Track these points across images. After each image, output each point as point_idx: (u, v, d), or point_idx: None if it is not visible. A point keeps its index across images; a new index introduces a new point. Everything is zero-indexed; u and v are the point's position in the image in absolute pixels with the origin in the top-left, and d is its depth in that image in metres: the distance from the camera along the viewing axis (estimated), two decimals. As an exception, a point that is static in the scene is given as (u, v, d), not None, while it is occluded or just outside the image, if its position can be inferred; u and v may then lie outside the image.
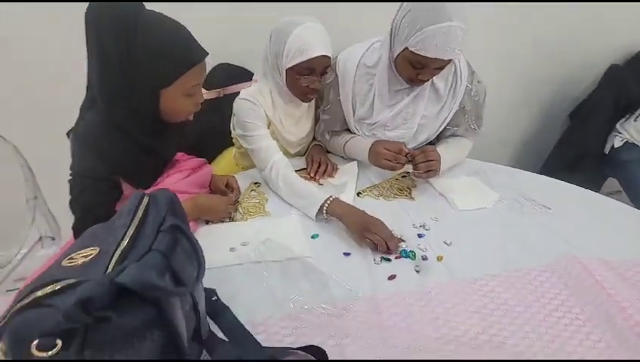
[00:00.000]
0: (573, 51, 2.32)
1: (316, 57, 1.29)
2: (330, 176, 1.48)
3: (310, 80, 1.34)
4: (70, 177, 1.03)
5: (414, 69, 1.27)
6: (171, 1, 1.52)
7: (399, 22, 1.25)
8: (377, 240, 1.11)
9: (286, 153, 1.53)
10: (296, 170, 1.42)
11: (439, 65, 1.25)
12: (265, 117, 1.41)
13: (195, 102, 1.07)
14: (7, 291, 1.47)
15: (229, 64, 1.86)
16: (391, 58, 1.34)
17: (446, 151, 1.42)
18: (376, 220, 1.16)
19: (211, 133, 1.69)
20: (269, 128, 1.44)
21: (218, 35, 1.76)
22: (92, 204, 1.01)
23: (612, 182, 2.23)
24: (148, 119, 1.05)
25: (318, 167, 1.47)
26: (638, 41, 2.30)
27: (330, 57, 1.34)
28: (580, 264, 1.05)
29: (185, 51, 0.98)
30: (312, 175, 1.46)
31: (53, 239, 1.54)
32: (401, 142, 1.39)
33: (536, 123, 2.59)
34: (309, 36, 1.29)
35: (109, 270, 0.59)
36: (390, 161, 1.35)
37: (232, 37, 1.80)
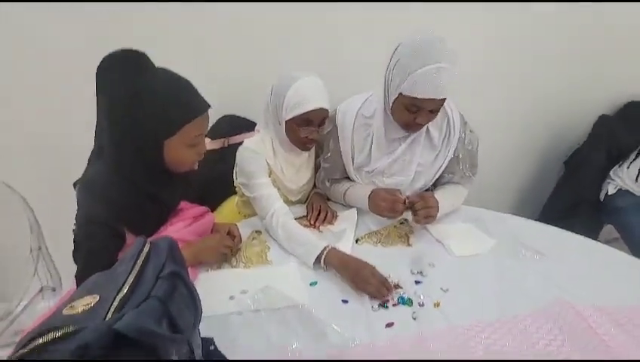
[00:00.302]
0: (567, 100, 2.39)
1: (313, 110, 1.36)
2: (330, 223, 1.50)
3: (308, 131, 1.41)
4: (74, 226, 1.06)
5: (411, 113, 1.33)
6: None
7: (391, 71, 1.32)
8: (370, 292, 1.13)
9: (287, 201, 1.57)
10: (296, 218, 1.45)
11: (433, 106, 1.30)
12: (266, 166, 1.46)
13: (198, 153, 1.11)
14: (7, 345, 1.45)
15: (234, 115, 1.93)
16: (387, 106, 1.40)
17: (443, 198, 1.45)
18: (367, 269, 1.17)
19: (216, 182, 1.73)
20: (270, 177, 1.48)
21: (223, 87, 1.83)
22: (95, 251, 1.03)
23: (611, 229, 2.23)
24: (153, 168, 1.09)
25: (318, 215, 1.50)
26: (626, 93, 2.38)
27: (327, 110, 1.41)
28: (573, 310, 1.06)
29: (188, 103, 1.03)
30: (312, 222, 1.48)
31: (54, 290, 1.55)
32: (397, 190, 1.42)
33: (533, 170, 2.62)
34: (307, 90, 1.36)
35: (108, 317, 0.61)
36: (388, 208, 1.39)
37: (237, 89, 1.87)
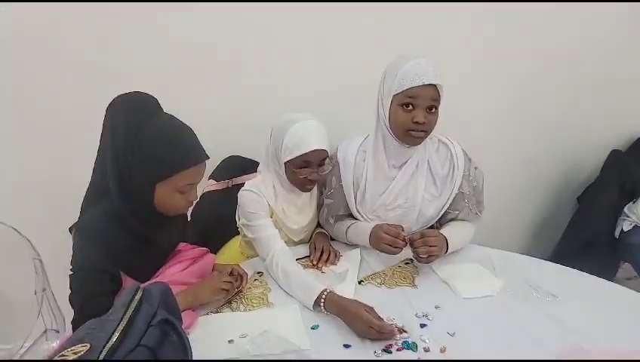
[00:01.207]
0: (579, 136, 2.39)
1: (312, 151, 1.38)
2: (333, 263, 1.48)
3: (307, 172, 1.42)
4: (71, 272, 1.06)
5: (407, 113, 1.35)
6: None
7: (381, 87, 1.40)
8: (370, 338, 1.10)
9: (289, 241, 1.56)
10: (299, 258, 1.45)
11: (427, 97, 1.33)
12: (267, 207, 1.47)
13: (187, 200, 1.13)
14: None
15: (239, 156, 1.95)
16: (385, 120, 1.41)
17: (451, 235, 1.44)
18: (365, 314, 1.12)
19: (220, 222, 1.73)
20: (271, 217, 1.48)
21: (227, 128, 1.88)
22: (91, 297, 1.02)
23: (630, 266, 2.17)
24: (145, 209, 1.10)
25: (321, 255, 1.48)
26: (639, 128, 2.37)
27: (326, 150, 1.43)
28: (589, 356, 1.01)
29: (186, 151, 1.06)
30: (314, 263, 1.46)
31: (58, 332, 1.54)
32: (399, 227, 1.40)
33: (544, 207, 2.59)
34: (305, 132, 1.39)
35: (96, 367, 0.60)
36: (389, 243, 1.37)
37: (241, 130, 1.90)
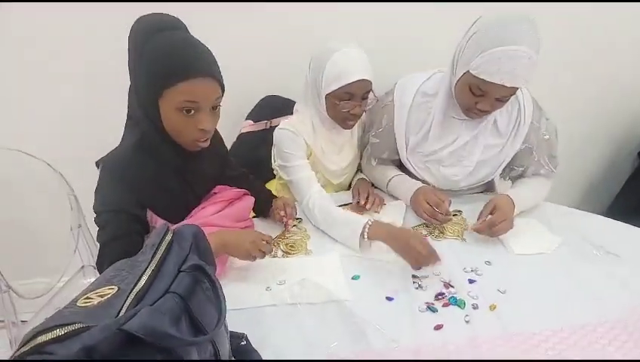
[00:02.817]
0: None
1: (355, 82, 1.28)
2: (377, 209, 1.41)
3: (350, 105, 1.32)
4: (95, 214, 1.00)
5: (473, 96, 1.19)
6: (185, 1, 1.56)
7: (464, 44, 1.18)
8: (420, 261, 1.07)
9: (328, 184, 1.50)
10: (340, 205, 1.37)
11: (501, 94, 1.15)
12: (305, 146, 1.39)
13: (195, 126, 0.99)
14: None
15: (277, 96, 1.85)
16: (452, 84, 1.26)
17: (519, 196, 1.33)
18: (416, 237, 1.10)
19: (257, 165, 1.65)
20: (309, 158, 1.41)
21: (265, 68, 1.77)
22: (112, 238, 0.97)
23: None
24: (161, 136, 1.02)
25: (367, 197, 1.40)
26: None
27: (370, 81, 1.32)
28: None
29: (182, 61, 0.93)
30: (362, 203, 1.38)
31: (95, 268, 1.54)
32: (445, 199, 1.30)
33: (603, 161, 2.42)
34: (347, 61, 1.28)
35: (122, 312, 0.54)
36: (428, 213, 1.29)
37: (279, 70, 1.79)
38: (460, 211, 1.38)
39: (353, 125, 1.43)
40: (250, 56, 1.77)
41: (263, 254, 1.07)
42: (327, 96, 1.32)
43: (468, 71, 1.15)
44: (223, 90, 1.02)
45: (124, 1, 1.45)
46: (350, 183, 1.60)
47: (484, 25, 1.13)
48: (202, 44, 0.99)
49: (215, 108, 1.02)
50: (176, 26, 0.98)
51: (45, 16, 1.56)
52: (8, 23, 1.53)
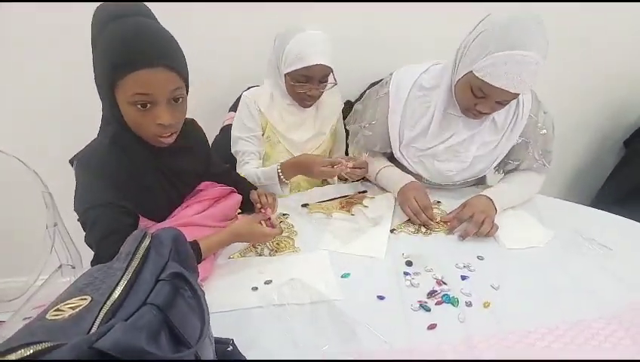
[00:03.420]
0: (629, 74, 2.17)
1: (313, 65, 1.29)
2: (364, 200, 1.39)
3: (307, 87, 1.35)
4: (78, 215, 0.94)
5: (474, 98, 1.15)
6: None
7: (469, 43, 1.13)
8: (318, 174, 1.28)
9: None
10: (332, 199, 1.40)
11: (502, 98, 1.12)
12: (258, 116, 1.43)
13: (153, 121, 0.93)
14: (25, 319, 1.41)
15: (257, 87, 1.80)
16: (452, 82, 1.22)
17: (510, 189, 1.34)
18: (318, 160, 1.26)
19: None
20: (264, 130, 1.45)
21: (248, 59, 1.72)
22: (105, 235, 0.90)
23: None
24: (130, 133, 0.97)
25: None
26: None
27: (329, 67, 1.33)
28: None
29: (132, 50, 0.86)
30: (348, 166, 1.29)
31: (74, 267, 1.49)
32: (430, 204, 1.28)
33: (589, 151, 2.42)
34: (308, 44, 1.29)
35: (95, 327, 0.50)
36: (413, 210, 1.26)
37: (263, 60, 1.74)
38: (439, 202, 1.37)
39: (310, 105, 1.44)
40: (234, 48, 1.74)
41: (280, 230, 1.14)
42: (286, 75, 1.34)
43: (471, 71, 1.11)
44: (185, 81, 0.96)
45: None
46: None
47: (492, 24, 1.08)
48: (163, 30, 0.92)
49: (177, 100, 0.95)
50: (136, 12, 0.91)
51: (19, 13, 1.50)
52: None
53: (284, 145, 1.48)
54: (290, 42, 1.29)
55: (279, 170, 1.32)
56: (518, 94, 1.11)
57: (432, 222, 1.24)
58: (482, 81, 1.08)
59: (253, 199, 1.26)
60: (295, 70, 1.31)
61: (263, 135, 1.48)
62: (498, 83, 1.06)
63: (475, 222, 1.19)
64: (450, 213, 1.28)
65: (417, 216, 1.25)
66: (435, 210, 1.31)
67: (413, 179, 1.37)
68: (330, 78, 1.38)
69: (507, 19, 1.05)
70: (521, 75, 1.04)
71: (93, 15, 0.91)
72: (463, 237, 1.20)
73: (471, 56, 1.11)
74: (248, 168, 1.42)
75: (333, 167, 1.25)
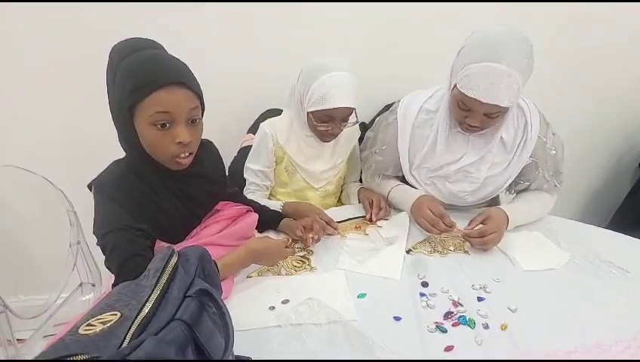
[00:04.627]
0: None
1: (337, 108, 1.30)
2: (384, 215, 1.42)
3: (329, 126, 1.35)
4: (98, 239, 0.96)
5: (462, 111, 1.20)
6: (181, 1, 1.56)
7: (455, 59, 1.20)
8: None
9: (310, 189, 1.52)
10: (352, 218, 1.43)
11: (486, 110, 1.15)
12: (272, 150, 1.45)
13: (172, 140, 0.95)
14: (45, 337, 1.43)
15: (277, 109, 1.83)
16: (449, 103, 1.27)
17: (520, 208, 1.36)
18: (317, 210, 1.35)
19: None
20: (282, 161, 1.47)
21: (266, 82, 1.76)
22: (127, 259, 0.92)
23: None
24: (147, 160, 1.00)
25: (379, 210, 1.42)
26: None
27: (352, 108, 1.34)
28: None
29: (150, 73, 0.91)
30: (373, 219, 1.39)
31: (94, 286, 1.51)
32: (445, 214, 1.28)
33: (604, 173, 2.41)
34: (334, 86, 1.28)
35: (127, 341, 0.52)
36: (428, 222, 1.27)
37: (280, 84, 1.78)
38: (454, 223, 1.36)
39: (330, 141, 1.44)
40: (251, 70, 1.77)
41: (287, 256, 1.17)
42: (309, 113, 1.34)
43: (455, 85, 1.17)
44: (201, 102, 1.00)
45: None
46: (337, 193, 1.62)
47: (471, 41, 1.16)
48: (176, 58, 0.97)
49: (194, 121, 0.98)
50: (151, 46, 0.97)
51: (51, 29, 1.55)
52: (9, 34, 1.52)
53: (302, 175, 1.49)
54: (316, 82, 1.28)
55: (281, 210, 1.39)
56: (502, 107, 1.13)
57: (451, 228, 1.26)
58: (462, 93, 1.14)
59: (306, 225, 1.26)
60: (318, 110, 1.31)
61: (280, 165, 1.49)
62: (471, 93, 1.12)
63: (491, 240, 1.22)
64: (470, 224, 1.28)
65: (435, 225, 1.26)
66: (453, 232, 1.31)
67: (425, 193, 1.39)
68: (352, 117, 1.39)
69: (484, 35, 1.13)
70: (492, 85, 1.09)
71: (110, 52, 0.96)
72: (467, 236, 1.25)
73: (454, 71, 1.18)
74: (254, 198, 1.45)
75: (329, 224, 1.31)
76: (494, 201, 1.54)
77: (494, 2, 1.76)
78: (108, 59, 0.96)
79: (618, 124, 2.25)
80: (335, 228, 1.32)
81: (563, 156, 1.38)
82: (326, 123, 1.34)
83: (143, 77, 0.90)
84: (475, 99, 1.12)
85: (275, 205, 1.40)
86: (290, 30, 1.73)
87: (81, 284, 1.52)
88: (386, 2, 1.72)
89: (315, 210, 1.36)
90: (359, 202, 1.53)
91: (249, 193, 1.49)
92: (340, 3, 1.71)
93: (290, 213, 1.36)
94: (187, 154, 1.00)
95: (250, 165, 1.49)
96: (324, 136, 1.40)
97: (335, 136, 1.40)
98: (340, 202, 1.65)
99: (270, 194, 1.58)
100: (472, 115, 1.19)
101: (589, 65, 2.03)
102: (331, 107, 1.29)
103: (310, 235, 1.21)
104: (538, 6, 1.82)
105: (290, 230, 1.28)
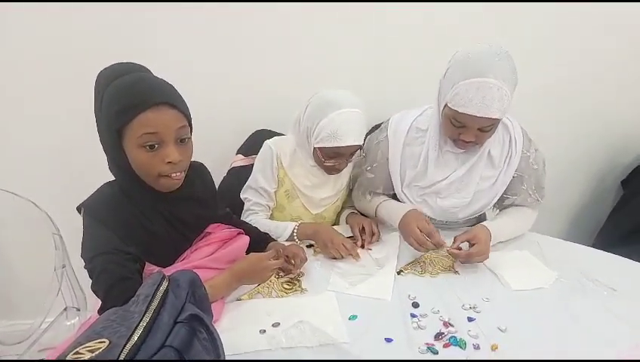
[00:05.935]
0: (627, 114, 2.23)
1: (345, 146, 1.29)
2: (373, 240, 1.41)
3: (336, 162, 1.35)
4: (85, 262, 0.95)
5: (455, 128, 1.23)
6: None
7: (442, 79, 1.24)
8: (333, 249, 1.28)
9: (306, 215, 1.50)
10: None
11: (480, 124, 1.19)
12: (276, 171, 1.43)
13: (162, 160, 0.95)
14: (29, 362, 1.40)
15: (269, 130, 1.84)
16: (439, 119, 1.30)
17: (505, 223, 1.38)
18: (336, 233, 1.34)
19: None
20: (282, 185, 1.45)
21: (257, 101, 1.77)
22: (115, 283, 0.90)
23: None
24: (136, 183, 1.00)
25: (369, 238, 1.40)
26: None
27: (360, 145, 1.35)
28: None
29: (137, 94, 0.91)
30: (365, 246, 1.38)
31: (79, 310, 1.48)
32: (434, 230, 1.29)
33: (588, 191, 2.44)
34: (343, 124, 1.28)
35: (116, 370, 0.51)
36: (416, 240, 1.27)
37: (271, 103, 1.80)
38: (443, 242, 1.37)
39: (335, 174, 1.44)
40: (241, 90, 1.78)
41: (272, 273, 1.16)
42: (315, 148, 1.34)
43: (446, 104, 1.20)
44: (189, 121, 1.00)
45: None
46: (335, 218, 1.60)
47: (456, 60, 1.21)
48: (162, 80, 0.98)
49: (183, 141, 0.98)
50: (137, 69, 0.98)
51: (32, 50, 1.55)
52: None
53: (302, 201, 1.48)
54: (325, 119, 1.28)
55: (295, 230, 1.38)
56: (495, 119, 1.17)
57: (440, 246, 1.27)
58: (454, 110, 1.17)
59: (288, 253, 1.24)
60: (326, 147, 1.31)
61: (281, 188, 1.47)
62: (465, 110, 1.15)
63: (477, 260, 1.25)
64: (455, 242, 1.28)
65: (424, 245, 1.26)
66: (442, 252, 1.33)
67: (413, 207, 1.39)
68: (358, 152, 1.40)
69: (467, 53, 1.18)
70: (484, 99, 1.13)
71: (97, 77, 0.97)
72: (453, 255, 1.27)
73: (443, 91, 1.22)
74: (257, 218, 1.45)
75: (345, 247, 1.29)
76: (482, 218, 1.56)
77: (476, 24, 1.81)
78: (95, 84, 0.97)
79: (601, 143, 2.30)
80: (356, 256, 1.30)
81: (544, 171, 1.42)
82: (333, 159, 1.34)
83: (129, 99, 0.91)
84: (469, 115, 1.15)
85: (286, 226, 1.40)
86: (279, 52, 1.76)
87: (65, 309, 1.49)
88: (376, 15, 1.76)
89: (333, 235, 1.33)
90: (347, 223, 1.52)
91: (252, 214, 1.46)
92: (329, 27, 1.74)
93: (304, 235, 1.38)
94: (177, 172, 0.99)
95: (254, 184, 1.46)
96: (330, 171, 1.40)
97: (341, 170, 1.41)
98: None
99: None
100: (467, 131, 1.22)
101: (573, 85, 2.08)
102: (341, 145, 1.28)
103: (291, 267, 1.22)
104: (521, 24, 1.87)
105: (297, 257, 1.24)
